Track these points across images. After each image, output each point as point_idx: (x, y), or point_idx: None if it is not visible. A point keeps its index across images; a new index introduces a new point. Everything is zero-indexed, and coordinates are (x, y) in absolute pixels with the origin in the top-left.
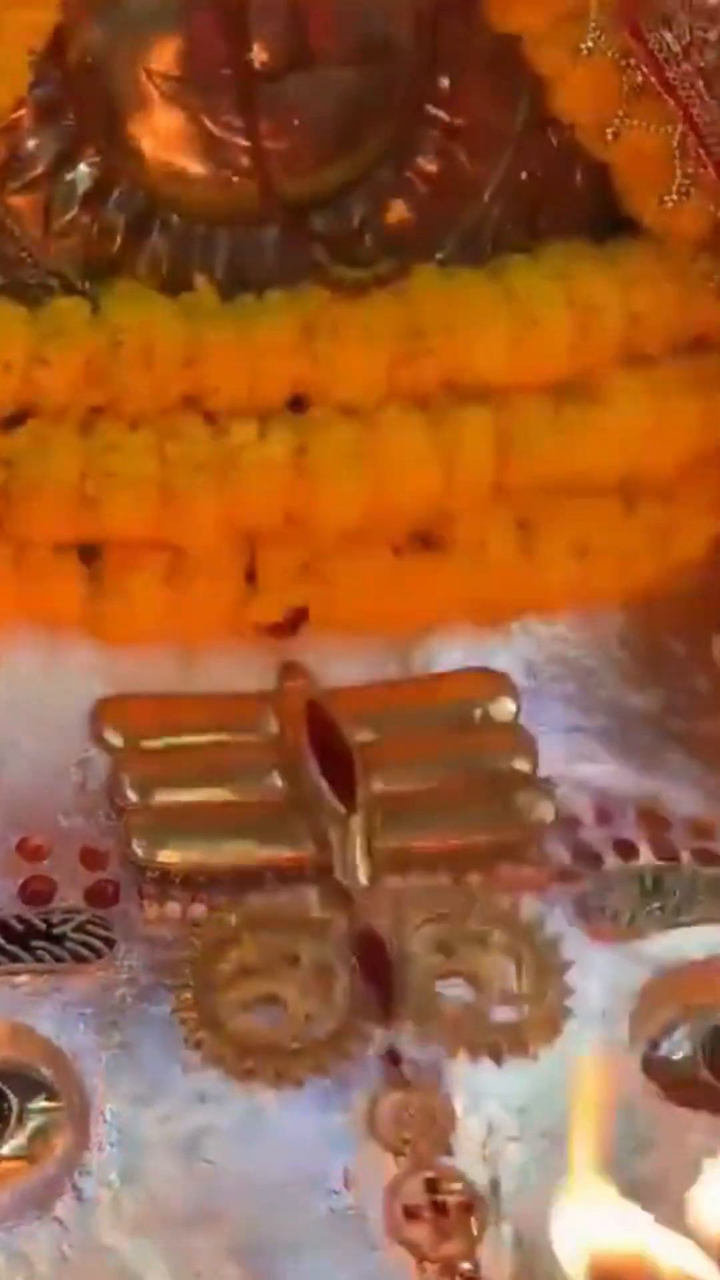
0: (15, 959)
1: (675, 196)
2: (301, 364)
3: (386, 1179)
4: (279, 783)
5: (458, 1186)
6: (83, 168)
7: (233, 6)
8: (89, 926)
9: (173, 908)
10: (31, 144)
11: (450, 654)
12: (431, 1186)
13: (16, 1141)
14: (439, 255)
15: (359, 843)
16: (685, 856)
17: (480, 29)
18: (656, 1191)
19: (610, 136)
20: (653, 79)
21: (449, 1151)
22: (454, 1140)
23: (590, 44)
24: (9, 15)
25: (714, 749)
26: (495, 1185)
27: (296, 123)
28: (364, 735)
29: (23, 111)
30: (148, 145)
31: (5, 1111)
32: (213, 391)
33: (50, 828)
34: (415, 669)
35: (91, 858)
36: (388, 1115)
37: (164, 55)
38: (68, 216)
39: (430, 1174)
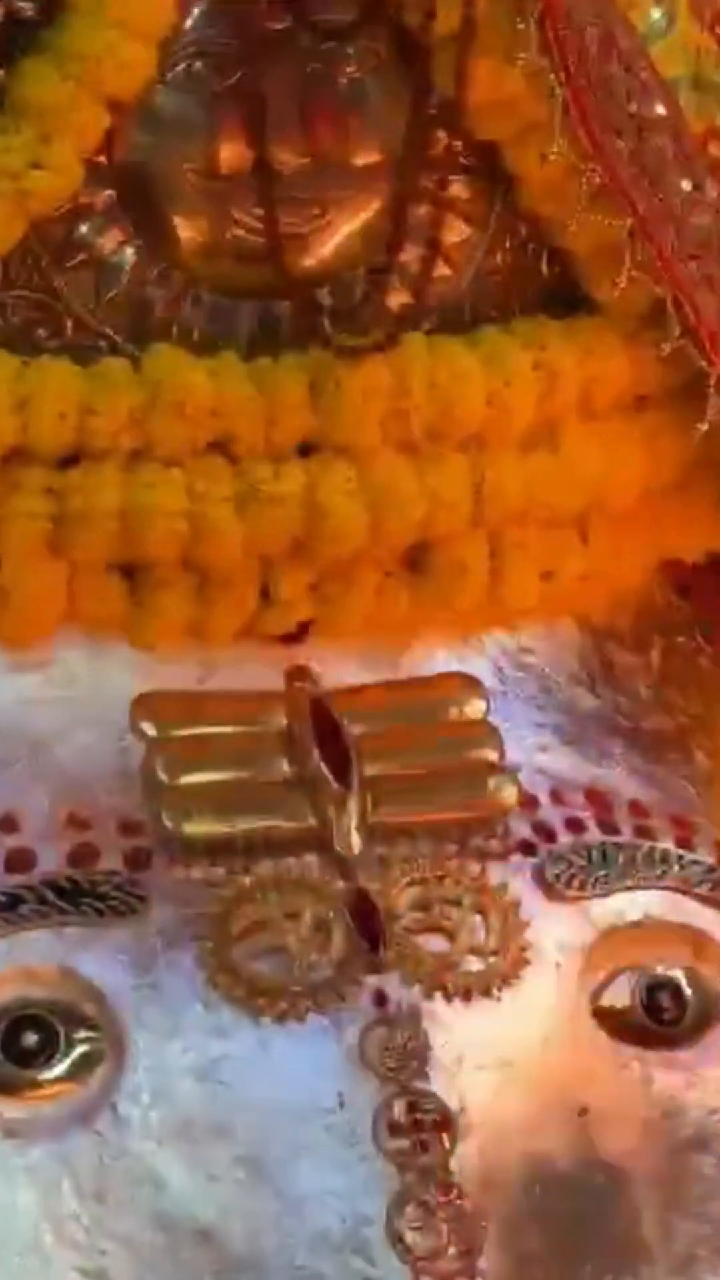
0: (64, 912)
1: (625, 280)
2: (309, 416)
3: (374, 1100)
4: (286, 767)
5: (433, 1107)
6: (128, 250)
7: (254, 115)
8: (126, 886)
9: (196, 871)
10: (84, 229)
11: (432, 661)
12: (411, 1107)
13: (63, 1067)
14: (426, 326)
15: (353, 818)
16: (626, 833)
17: (462, 136)
18: (603, 1116)
19: (572, 229)
20: (607, 179)
21: (426, 1078)
22: (430, 1069)
23: (554, 150)
24: (67, 119)
25: (652, 743)
26: (464, 1106)
27: (307, 214)
28: (358, 728)
29: (78, 201)
30: (183, 232)
31: (54, 1041)
32: (235, 438)
33: (94, 803)
34: (402, 673)
35: (128, 828)
36: (375, 1046)
37: (196, 155)
38: (114, 291)
39: (411, 1097)
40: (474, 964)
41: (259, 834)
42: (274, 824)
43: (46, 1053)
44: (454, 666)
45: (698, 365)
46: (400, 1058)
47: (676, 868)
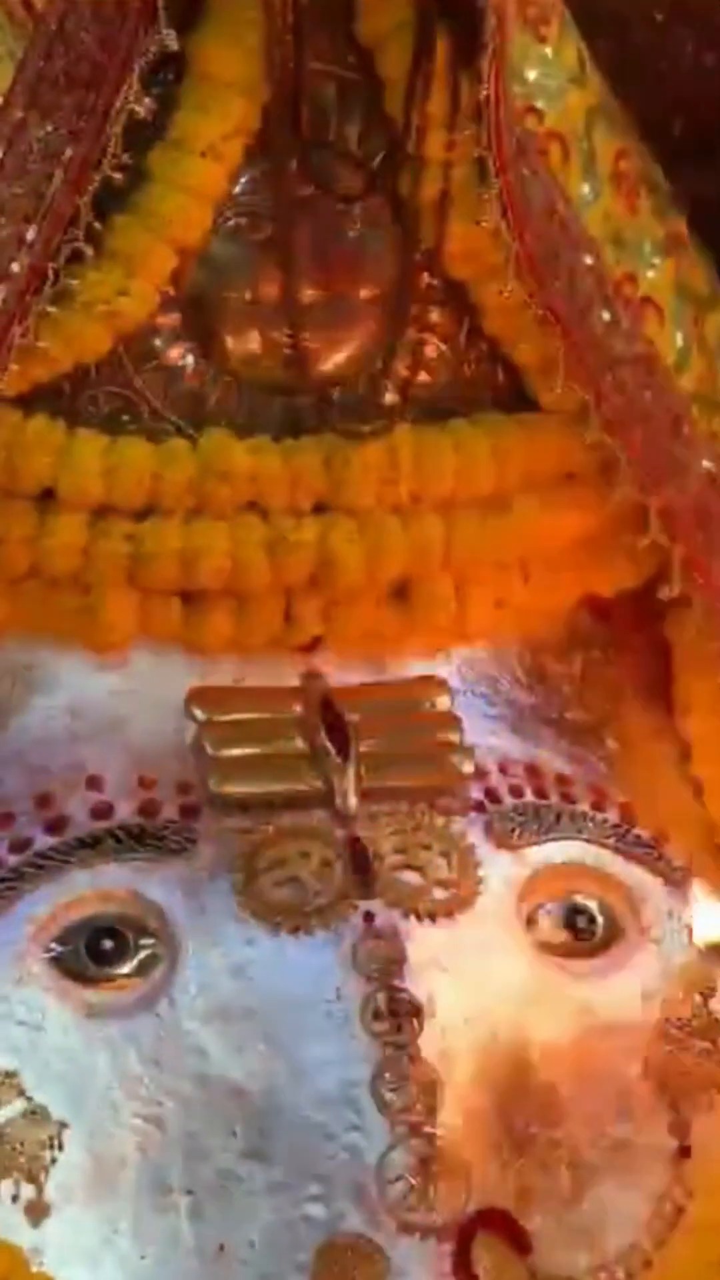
0: (134, 850)
1: (560, 387)
2: (323, 484)
3: (362, 993)
4: (301, 744)
5: (407, 1000)
6: (189, 359)
7: (284, 259)
8: (181, 831)
9: (232, 821)
10: (156, 342)
11: (411, 668)
12: (390, 999)
13: (131, 965)
14: (410, 418)
15: (351, 783)
16: (554, 798)
17: (440, 276)
18: (533, 1008)
19: (521, 347)
20: (547, 311)
21: (402, 978)
22: (405, 971)
23: (508, 289)
24: (145, 261)
25: (574, 731)
26: (430, 998)
27: (323, 334)
28: (355, 716)
29: (152, 322)
30: (230, 345)
31: (125, 946)
32: (266, 499)
33: (158, 769)
34: (388, 676)
35: (183, 788)
36: (364, 954)
37: (240, 289)
38: (178, 389)
39: (390, 992)
40: (439, 893)
41: (280, 794)
42: (291, 787)
43: (119, 955)
44: (426, 671)
45: (612, 452)
46: (383, 963)
47: (591, 825)
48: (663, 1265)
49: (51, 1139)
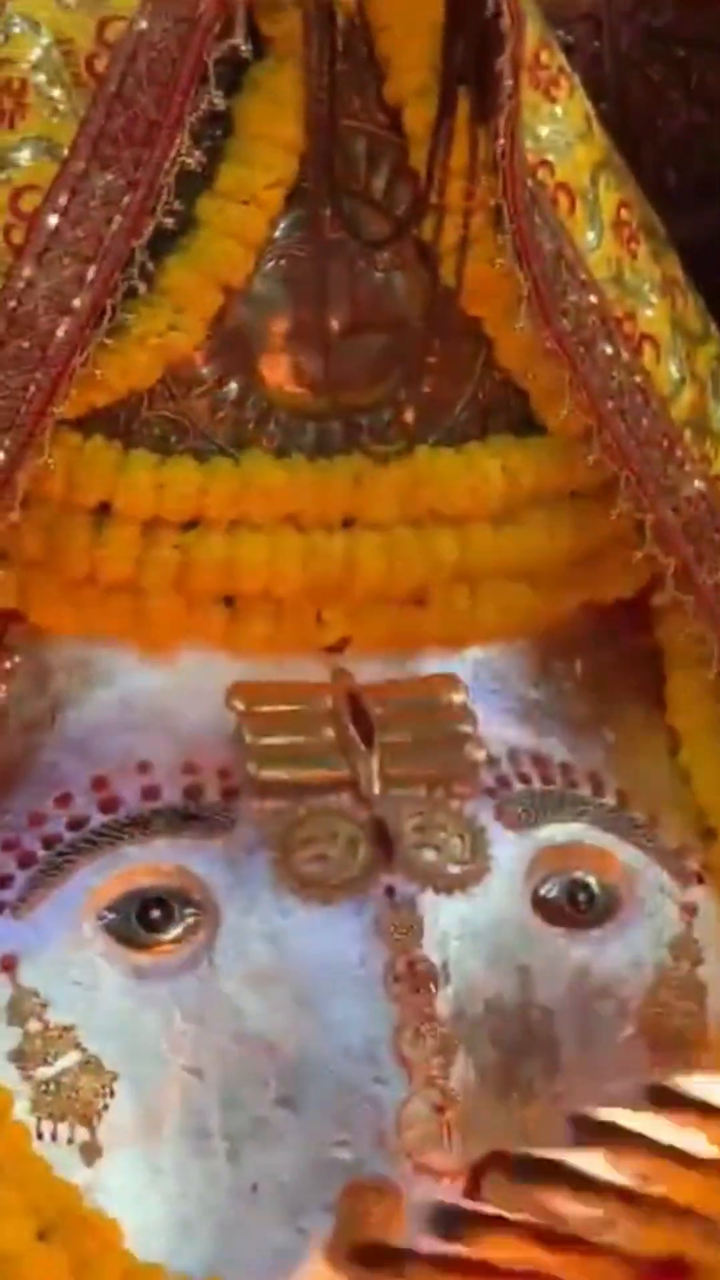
0: (180, 829)
1: (565, 412)
2: (351, 500)
3: (384, 958)
4: (330, 734)
5: (424, 965)
6: (232, 385)
7: (318, 297)
8: (222, 812)
9: (269, 804)
10: (203, 371)
11: (430, 666)
12: (410, 964)
13: (177, 931)
14: (430, 441)
15: (375, 770)
16: (558, 784)
17: (458, 312)
18: (537, 973)
19: (530, 376)
20: (555, 345)
21: (420, 945)
22: (423, 939)
23: (520, 324)
24: (193, 299)
25: (575, 724)
26: (446, 965)
27: (352, 363)
28: (379, 710)
29: (199, 352)
30: (268, 375)
31: (171, 914)
32: (301, 514)
33: (202, 755)
34: (409, 674)
35: (225, 773)
36: (386, 924)
37: (278, 324)
38: (222, 413)
39: (409, 957)
40: (454, 869)
41: (311, 779)
42: (321, 773)
43: (166, 922)
44: (443, 670)
45: (612, 472)
46: (403, 931)
47: (590, 809)
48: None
49: (104, 1087)
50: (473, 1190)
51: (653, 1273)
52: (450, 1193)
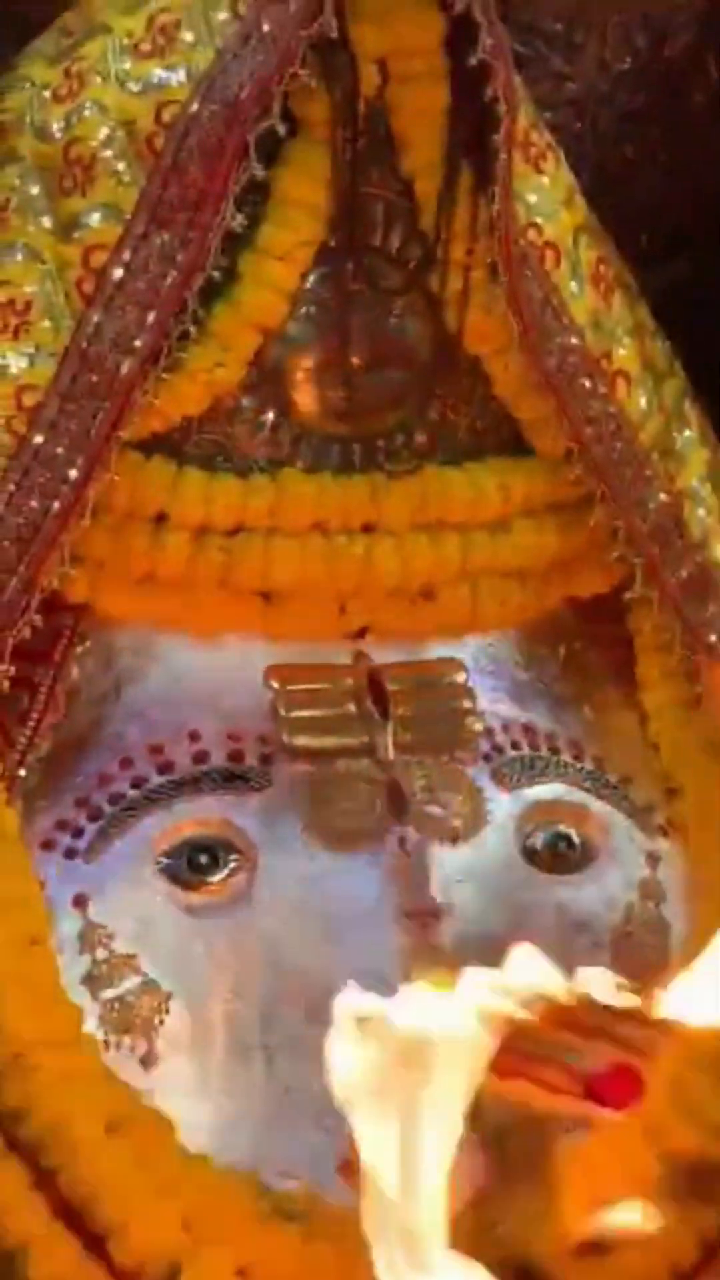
0: (224, 788)
1: (551, 438)
2: (370, 510)
3: (397, 899)
4: (352, 708)
5: (430, 902)
6: (269, 413)
7: (342, 338)
8: (261, 774)
9: (299, 767)
10: (244, 401)
11: (436, 651)
12: (418, 900)
13: (221, 875)
14: (438, 460)
15: (390, 739)
16: (544, 751)
17: (461, 352)
18: (526, 910)
19: (522, 405)
20: (542, 380)
21: (428, 886)
22: (430, 881)
23: (512, 363)
24: (236, 340)
25: (559, 701)
26: (449, 903)
27: (370, 395)
28: (393, 686)
29: (241, 386)
30: (300, 403)
31: (217, 860)
32: (328, 521)
33: (243, 726)
34: (418, 657)
35: (264, 740)
36: (399, 869)
37: (307, 361)
38: (260, 436)
39: (417, 897)
40: (455, 822)
41: (335, 747)
42: (344, 741)
43: (212, 867)
44: (447, 654)
45: (590, 487)
46: (413, 875)
47: (572, 772)
48: None
49: (160, 1005)
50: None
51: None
52: None
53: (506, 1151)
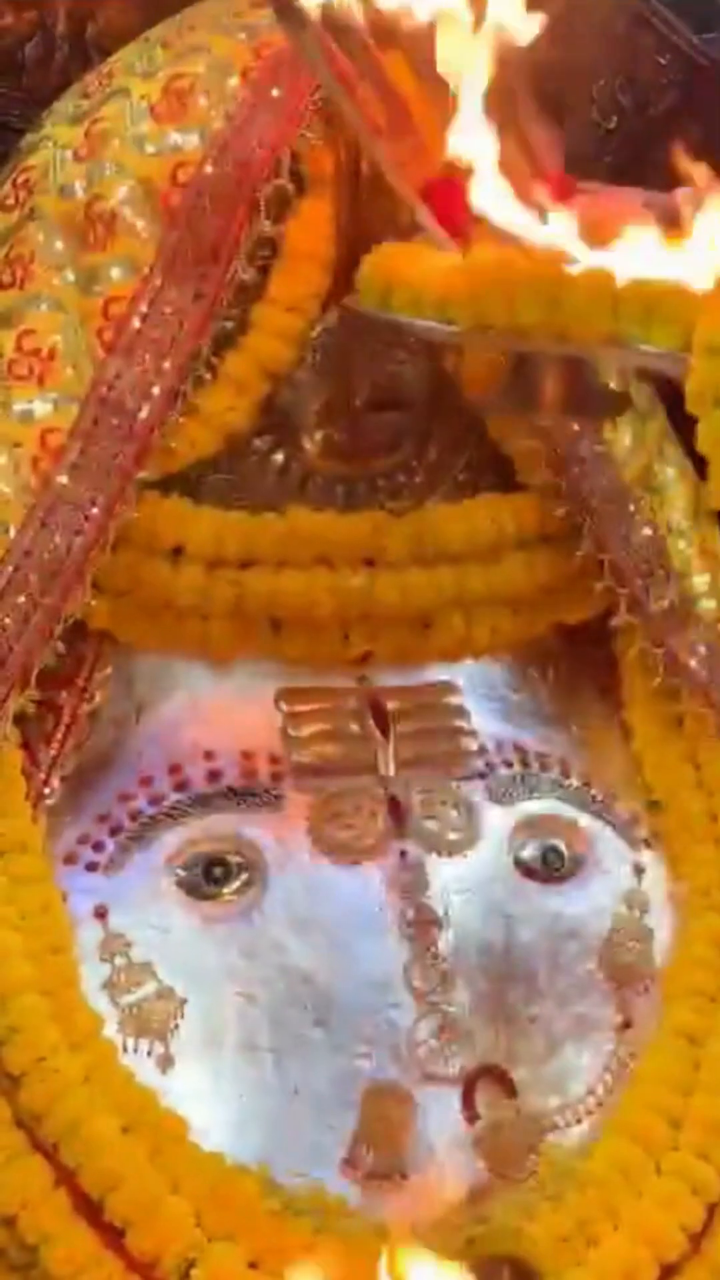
0: (237, 804)
1: (541, 475)
2: (371, 545)
3: (398, 908)
4: (355, 728)
5: (429, 912)
6: (279, 454)
7: (350, 383)
8: (272, 790)
9: (306, 783)
10: (256, 442)
11: (433, 674)
12: (418, 911)
13: (235, 886)
14: (435, 497)
15: (390, 756)
16: (534, 768)
17: (456, 393)
18: (518, 919)
19: (514, 447)
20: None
21: (427, 896)
22: (429, 892)
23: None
24: (248, 385)
25: (548, 721)
26: (447, 912)
27: (372, 437)
28: (393, 705)
29: (251, 428)
30: (307, 445)
31: (230, 872)
32: (332, 555)
33: (256, 745)
34: (416, 680)
35: (274, 759)
36: (399, 880)
37: (315, 404)
38: (269, 476)
39: (417, 906)
40: (452, 836)
41: (340, 764)
42: (348, 758)
43: (225, 878)
44: (443, 677)
45: (577, 521)
46: (413, 886)
47: (560, 788)
48: (612, 1107)
49: (175, 1010)
50: (468, 1095)
51: None
52: (450, 1096)
53: None
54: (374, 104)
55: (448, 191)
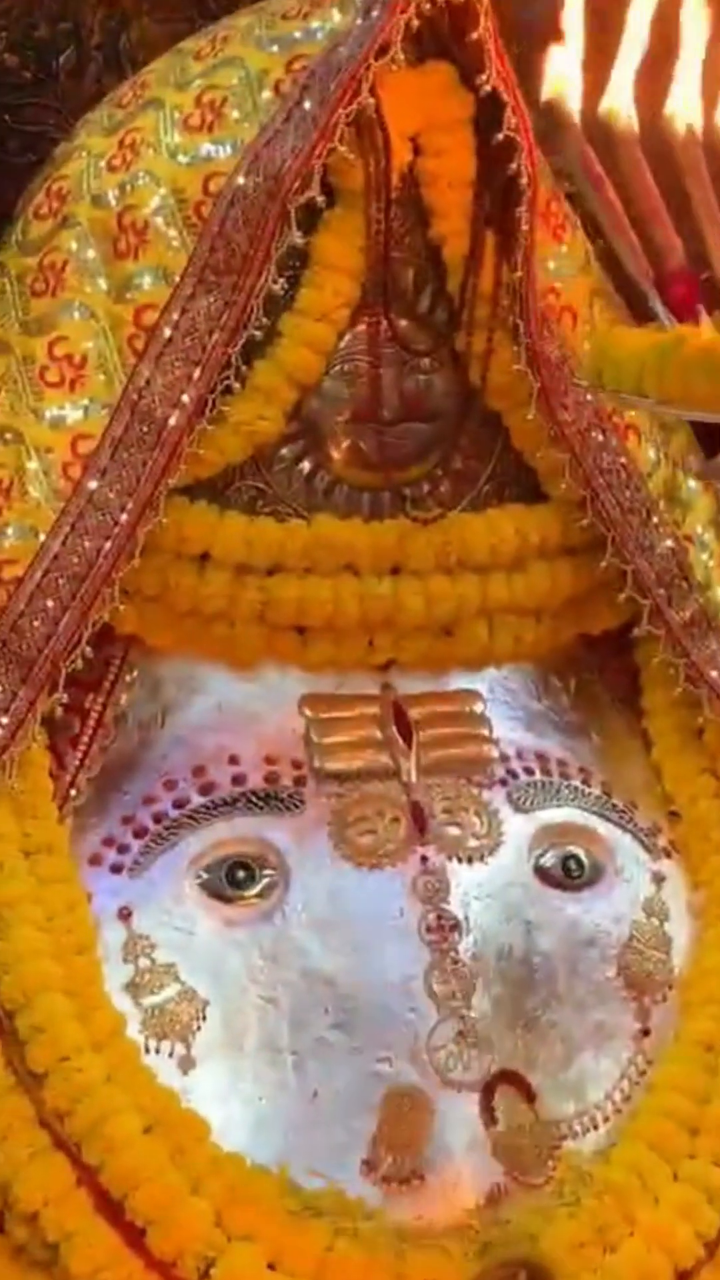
0: (261, 808)
1: (565, 485)
2: (397, 553)
3: (419, 913)
4: (378, 734)
5: (450, 918)
6: (305, 463)
7: (374, 394)
8: (295, 795)
9: (329, 788)
10: (283, 451)
11: (456, 682)
12: (439, 917)
13: (257, 889)
14: (460, 506)
15: (413, 763)
16: (555, 776)
17: (483, 406)
18: (538, 925)
19: (538, 455)
20: (558, 433)
21: (448, 902)
22: (449, 897)
23: (530, 416)
24: (276, 395)
25: (569, 729)
26: (467, 918)
27: (399, 447)
28: (416, 713)
29: (280, 437)
30: (334, 454)
31: (253, 875)
32: (358, 563)
33: (279, 750)
34: (439, 688)
35: (296, 764)
36: (421, 885)
37: (342, 413)
38: (297, 484)
39: (438, 912)
40: (473, 842)
41: (363, 770)
42: (371, 764)
43: (248, 881)
44: (466, 685)
45: (601, 532)
46: (434, 891)
47: (581, 796)
48: (629, 1114)
49: (198, 1012)
50: (486, 1100)
51: None
52: (469, 1102)
53: None
54: (621, 197)
55: (683, 284)
